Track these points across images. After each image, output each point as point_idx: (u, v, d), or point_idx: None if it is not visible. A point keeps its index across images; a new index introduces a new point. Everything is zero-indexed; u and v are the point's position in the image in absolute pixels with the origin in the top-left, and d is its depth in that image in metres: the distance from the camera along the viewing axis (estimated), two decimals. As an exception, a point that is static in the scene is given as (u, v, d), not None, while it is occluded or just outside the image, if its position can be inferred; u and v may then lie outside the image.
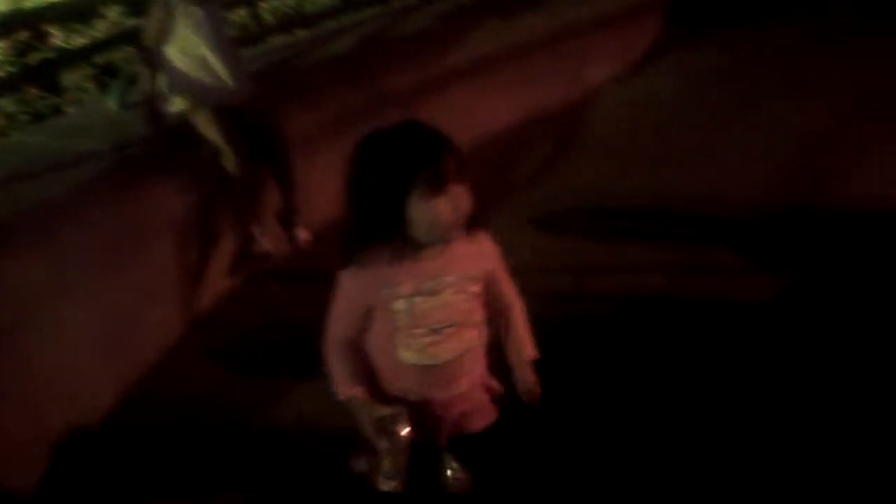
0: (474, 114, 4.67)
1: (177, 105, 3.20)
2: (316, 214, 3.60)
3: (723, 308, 3.13)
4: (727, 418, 2.57)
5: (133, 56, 3.85)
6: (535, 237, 3.70)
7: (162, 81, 3.21)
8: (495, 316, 1.81)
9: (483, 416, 1.82)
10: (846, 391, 2.66)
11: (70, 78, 4.89)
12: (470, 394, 1.78)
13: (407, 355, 1.69)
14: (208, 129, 3.18)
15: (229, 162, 3.17)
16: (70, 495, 2.43)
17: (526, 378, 1.84)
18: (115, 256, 2.88)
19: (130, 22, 4.83)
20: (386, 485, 1.63)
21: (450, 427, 1.78)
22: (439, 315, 1.67)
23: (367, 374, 1.74)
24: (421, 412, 1.72)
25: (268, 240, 3.40)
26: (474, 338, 1.75)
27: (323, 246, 3.69)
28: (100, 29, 5.30)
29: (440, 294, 1.66)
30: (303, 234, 3.45)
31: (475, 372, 1.78)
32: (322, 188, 3.85)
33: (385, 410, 1.65)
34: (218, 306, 3.33)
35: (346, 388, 1.71)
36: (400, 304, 1.65)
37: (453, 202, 1.58)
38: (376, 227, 1.61)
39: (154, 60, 3.17)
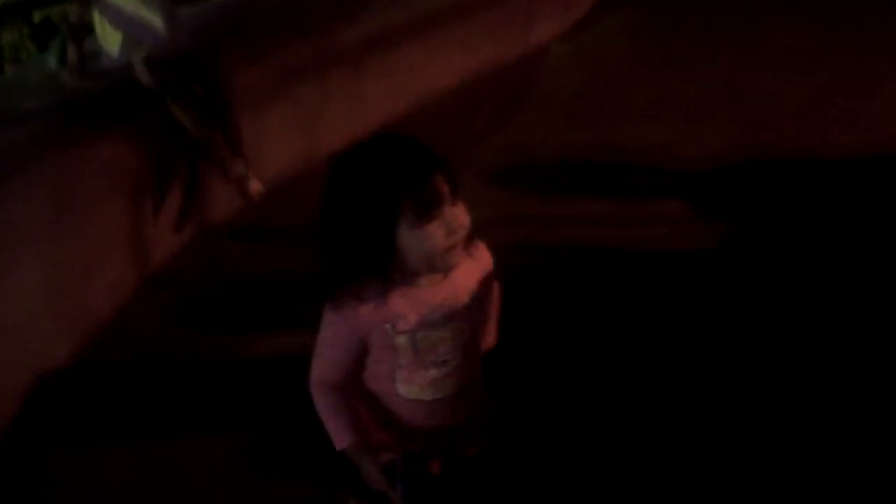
0: (426, 69, 4.66)
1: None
2: (268, 170, 3.57)
3: (674, 258, 3.21)
4: (681, 368, 2.62)
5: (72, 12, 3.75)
6: (489, 191, 3.72)
7: (101, 30, 3.17)
8: None
9: (481, 435, 1.69)
10: (798, 338, 2.74)
11: (7, 37, 4.74)
12: (473, 417, 1.65)
13: (410, 390, 1.54)
14: (146, 77, 3.15)
15: (177, 110, 3.14)
16: (26, 448, 2.42)
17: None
18: (65, 213, 2.83)
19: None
20: None
21: (450, 451, 1.64)
22: (446, 347, 1.51)
23: (364, 407, 1.59)
24: (422, 440, 1.59)
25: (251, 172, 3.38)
26: (477, 363, 1.61)
27: (275, 202, 3.68)
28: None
29: (447, 325, 1.49)
30: (254, 186, 3.42)
31: (478, 396, 1.65)
32: (273, 144, 3.84)
33: (391, 455, 1.52)
34: (172, 263, 3.30)
35: (342, 439, 1.54)
36: (403, 341, 1.48)
37: (448, 226, 1.40)
38: (362, 260, 1.42)
39: (88, 11, 3.13)
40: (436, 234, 1.39)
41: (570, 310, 2.92)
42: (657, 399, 2.51)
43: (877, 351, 2.66)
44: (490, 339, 1.70)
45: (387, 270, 1.42)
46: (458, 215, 1.42)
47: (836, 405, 2.46)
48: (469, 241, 1.47)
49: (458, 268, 1.47)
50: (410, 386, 1.53)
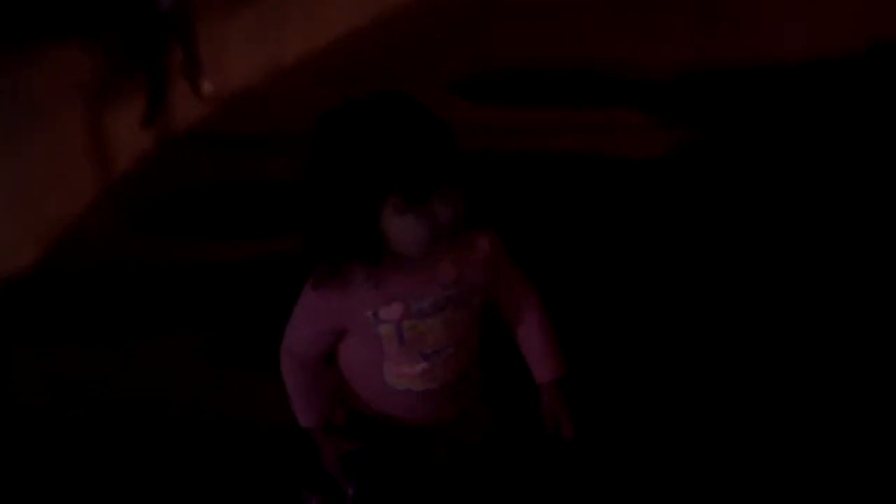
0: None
1: None
2: (231, 79, 3.57)
3: (631, 166, 3.26)
4: (643, 278, 2.60)
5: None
6: (452, 101, 3.74)
7: None
8: (507, 317, 1.47)
9: (479, 423, 1.52)
10: (753, 248, 2.73)
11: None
12: (467, 407, 1.48)
13: (399, 382, 1.38)
14: None
15: None
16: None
17: (545, 401, 1.47)
18: (23, 121, 2.84)
19: None
20: None
21: (443, 443, 1.48)
22: (436, 337, 1.34)
23: (339, 389, 1.44)
24: (410, 432, 1.43)
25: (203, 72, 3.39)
26: (474, 350, 1.43)
27: (238, 111, 3.70)
28: None
29: (438, 314, 1.32)
30: (207, 86, 3.42)
31: (473, 385, 1.48)
32: (237, 52, 3.82)
33: (351, 444, 1.41)
34: (134, 170, 3.34)
35: (305, 416, 1.42)
36: (386, 331, 1.31)
37: (440, 212, 1.19)
38: (343, 240, 1.22)
39: None
40: (425, 221, 1.19)
41: (530, 217, 2.96)
42: (616, 315, 2.43)
43: (828, 265, 2.64)
44: (541, 369, 1.46)
45: (373, 256, 1.23)
46: (453, 201, 1.20)
47: (780, 319, 2.41)
48: (470, 226, 1.29)
49: (455, 254, 1.30)
50: (399, 378, 1.37)
